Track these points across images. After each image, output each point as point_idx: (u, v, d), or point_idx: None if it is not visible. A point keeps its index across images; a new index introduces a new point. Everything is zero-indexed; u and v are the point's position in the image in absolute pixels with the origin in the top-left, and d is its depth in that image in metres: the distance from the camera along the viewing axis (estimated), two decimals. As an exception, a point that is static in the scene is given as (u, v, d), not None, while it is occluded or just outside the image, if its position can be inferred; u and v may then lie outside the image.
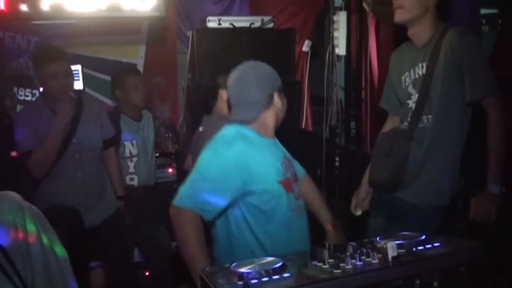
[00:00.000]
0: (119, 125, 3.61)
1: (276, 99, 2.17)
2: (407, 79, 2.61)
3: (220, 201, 2.02)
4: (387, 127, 2.79)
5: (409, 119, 2.56)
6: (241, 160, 2.03)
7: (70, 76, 3.04)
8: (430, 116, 2.50)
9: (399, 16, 2.54)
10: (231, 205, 2.06)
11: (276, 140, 2.28)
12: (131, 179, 3.70)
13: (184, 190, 2.04)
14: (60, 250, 1.66)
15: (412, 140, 2.52)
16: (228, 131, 2.16)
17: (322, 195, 2.46)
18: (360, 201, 2.85)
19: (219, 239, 2.17)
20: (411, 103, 2.58)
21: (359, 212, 2.86)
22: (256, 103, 2.14)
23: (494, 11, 3.99)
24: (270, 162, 2.12)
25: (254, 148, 2.09)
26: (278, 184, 2.09)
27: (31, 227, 1.56)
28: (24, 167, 2.95)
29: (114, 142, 3.36)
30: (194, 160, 2.58)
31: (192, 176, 2.06)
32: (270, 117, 2.19)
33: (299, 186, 2.27)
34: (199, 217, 2.00)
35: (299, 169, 2.43)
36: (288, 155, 2.32)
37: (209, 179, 2.02)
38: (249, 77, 2.16)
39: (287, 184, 2.13)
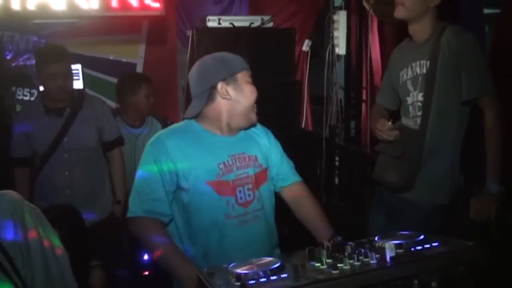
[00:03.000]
0: None
1: (221, 90, 1.99)
2: (405, 75, 2.61)
3: (159, 198, 1.96)
4: (374, 116, 2.77)
5: (414, 119, 2.55)
6: (173, 153, 1.96)
7: (70, 77, 3.03)
8: (430, 115, 2.49)
9: (399, 13, 2.54)
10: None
11: (239, 136, 2.10)
12: None
13: (131, 200, 2.01)
14: (59, 249, 1.66)
15: (424, 142, 2.51)
16: (172, 126, 2.12)
17: (320, 206, 2.21)
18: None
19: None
20: (410, 100, 2.58)
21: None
22: (197, 97, 2.05)
23: (494, 11, 3.99)
24: (203, 160, 1.98)
25: (188, 144, 2.00)
26: (205, 184, 1.96)
27: (30, 226, 1.56)
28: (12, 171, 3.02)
29: (118, 144, 3.31)
30: None
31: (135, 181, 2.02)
32: (215, 111, 2.03)
33: (258, 192, 2.06)
34: (158, 222, 1.96)
35: (284, 175, 2.22)
36: (249, 155, 2.09)
37: (143, 180, 1.99)
38: (193, 72, 2.09)
39: (220, 186, 1.97)
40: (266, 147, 2.17)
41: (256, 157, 2.10)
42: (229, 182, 2.00)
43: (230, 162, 2.02)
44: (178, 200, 2.01)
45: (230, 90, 2.01)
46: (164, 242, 1.93)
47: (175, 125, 2.15)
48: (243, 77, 2.03)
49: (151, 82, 3.65)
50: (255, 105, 2.07)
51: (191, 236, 2.01)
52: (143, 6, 3.55)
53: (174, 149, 1.97)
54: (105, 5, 3.48)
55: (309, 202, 2.22)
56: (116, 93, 3.73)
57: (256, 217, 2.04)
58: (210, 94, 2.02)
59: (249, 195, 2.03)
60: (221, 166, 2.00)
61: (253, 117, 2.09)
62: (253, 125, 2.14)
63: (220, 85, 2.00)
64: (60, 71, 2.92)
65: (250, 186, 2.04)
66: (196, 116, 2.08)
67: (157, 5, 3.51)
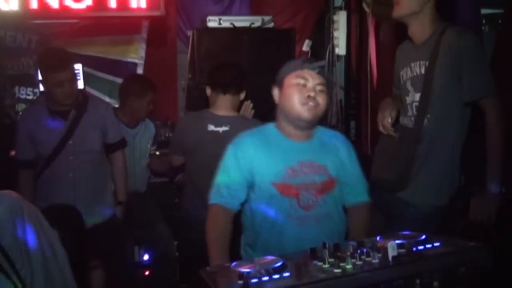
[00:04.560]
0: None
1: (274, 95, 2.17)
2: (405, 75, 2.62)
3: (236, 189, 2.12)
4: (384, 103, 2.78)
5: (412, 118, 2.55)
6: (250, 151, 2.12)
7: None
8: (429, 116, 2.50)
9: (395, 12, 2.55)
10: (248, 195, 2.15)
11: (312, 143, 2.18)
12: None
13: (212, 188, 2.18)
14: (59, 249, 1.66)
15: (417, 142, 2.52)
16: (254, 128, 2.26)
17: (365, 227, 2.26)
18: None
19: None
20: (408, 100, 2.59)
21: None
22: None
23: (494, 11, 3.99)
24: (272, 162, 2.10)
25: (264, 145, 2.14)
26: (271, 185, 2.08)
27: (30, 227, 1.56)
28: (14, 173, 3.03)
29: (121, 146, 3.32)
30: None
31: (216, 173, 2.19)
32: (278, 115, 2.18)
33: (322, 199, 2.12)
34: (225, 210, 2.12)
35: (355, 194, 2.27)
36: (319, 164, 2.15)
37: (225, 170, 2.15)
38: None
39: (285, 189, 2.07)
40: (341, 161, 2.22)
41: (325, 166, 2.16)
42: (293, 186, 2.08)
43: (298, 168, 2.10)
44: (250, 197, 2.15)
45: (278, 93, 2.16)
46: (215, 228, 2.10)
47: (257, 127, 2.28)
48: (288, 79, 2.12)
49: (155, 91, 3.68)
50: (309, 101, 2.07)
51: (255, 231, 2.15)
52: (143, 6, 3.55)
53: (251, 149, 2.13)
54: (106, 5, 3.48)
55: (360, 218, 2.28)
56: (119, 91, 3.74)
57: (317, 221, 2.11)
58: (274, 98, 2.19)
59: (312, 200, 2.10)
60: (288, 170, 2.09)
61: (302, 114, 2.08)
62: (309, 123, 2.14)
63: (275, 90, 2.18)
64: (67, 78, 2.92)
65: (314, 192, 2.11)
66: (275, 120, 2.23)
67: (157, 5, 3.51)
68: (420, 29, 2.53)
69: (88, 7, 3.42)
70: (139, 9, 3.72)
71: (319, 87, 2.10)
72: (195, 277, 2.07)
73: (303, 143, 2.16)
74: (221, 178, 2.15)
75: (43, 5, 3.37)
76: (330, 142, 2.23)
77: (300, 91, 2.07)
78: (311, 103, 2.07)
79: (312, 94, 2.07)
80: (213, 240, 2.07)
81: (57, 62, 2.92)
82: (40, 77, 3.03)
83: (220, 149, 2.78)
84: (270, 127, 2.22)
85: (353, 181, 2.26)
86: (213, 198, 2.15)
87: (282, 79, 2.14)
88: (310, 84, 2.09)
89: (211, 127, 2.99)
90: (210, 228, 2.10)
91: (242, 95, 3.09)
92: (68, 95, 2.95)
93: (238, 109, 3.18)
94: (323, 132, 2.26)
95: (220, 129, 2.95)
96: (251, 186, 2.12)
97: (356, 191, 2.28)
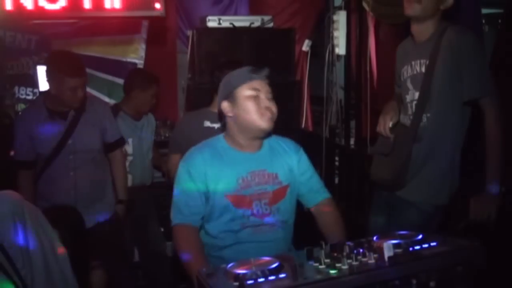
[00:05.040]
0: (117, 122, 3.60)
1: (225, 108, 2.15)
2: (405, 73, 2.62)
3: (195, 205, 2.13)
4: (387, 106, 2.76)
5: (411, 117, 2.55)
6: (201, 166, 2.13)
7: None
8: (429, 115, 2.50)
9: (413, 10, 2.49)
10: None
11: (261, 153, 2.21)
12: None
13: (172, 211, 2.17)
14: (60, 249, 1.66)
15: (415, 140, 2.52)
16: (203, 142, 2.27)
17: (340, 220, 2.29)
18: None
19: None
20: (408, 98, 2.59)
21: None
22: (220, 114, 2.24)
23: (494, 11, 3.99)
24: (224, 175, 2.12)
25: (214, 159, 2.15)
26: (224, 197, 2.11)
27: (30, 227, 1.56)
28: (14, 173, 3.03)
29: (120, 145, 3.34)
30: None
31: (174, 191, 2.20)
32: (230, 128, 2.19)
33: (275, 207, 2.17)
34: (189, 228, 2.13)
35: (313, 194, 2.31)
36: (269, 173, 2.19)
37: (181, 188, 2.16)
38: None
39: (238, 200, 2.11)
40: (292, 165, 2.25)
41: (276, 175, 2.19)
42: (246, 196, 2.12)
43: (249, 178, 2.14)
44: (206, 210, 2.16)
45: (231, 108, 2.14)
46: (187, 244, 2.09)
47: (206, 140, 2.28)
48: (240, 92, 2.12)
49: (159, 85, 3.76)
50: (266, 111, 2.11)
51: (210, 241, 2.17)
52: (143, 6, 3.54)
53: (201, 164, 2.13)
54: (106, 5, 3.47)
55: (330, 218, 2.30)
56: (124, 85, 3.80)
57: (271, 227, 2.16)
58: (221, 114, 2.20)
59: (265, 209, 2.15)
60: (240, 181, 2.13)
61: (262, 125, 2.11)
62: (267, 133, 2.17)
63: (224, 105, 2.16)
64: (81, 84, 2.96)
65: (267, 201, 2.15)
66: (224, 132, 2.25)
67: (157, 5, 3.50)
68: (425, 29, 2.52)
69: (88, 7, 3.41)
70: (139, 9, 3.71)
71: (269, 95, 2.14)
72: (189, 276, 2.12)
73: (253, 154, 2.19)
74: (179, 197, 2.16)
75: (42, 5, 3.37)
76: (279, 148, 2.27)
77: (256, 103, 2.10)
78: (269, 114, 2.11)
79: (268, 104, 2.11)
80: (190, 254, 2.05)
81: (76, 68, 2.95)
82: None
83: None
84: (219, 139, 2.24)
85: (308, 183, 2.30)
86: (175, 218, 2.15)
87: (231, 91, 2.14)
88: (263, 94, 2.12)
89: (207, 123, 3.03)
90: (182, 246, 2.09)
91: None
92: (77, 100, 2.98)
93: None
94: (271, 139, 2.28)
95: (216, 125, 2.98)
96: (207, 199, 2.14)
97: (314, 191, 2.31)
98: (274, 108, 2.13)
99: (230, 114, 2.15)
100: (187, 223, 2.12)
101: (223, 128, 2.26)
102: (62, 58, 3.03)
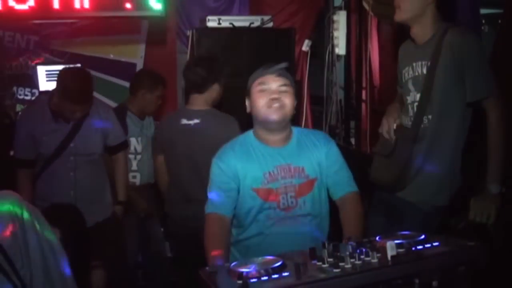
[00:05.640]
0: (125, 122, 3.62)
1: (247, 106, 2.26)
2: (406, 75, 2.62)
3: (226, 196, 2.19)
4: (391, 107, 2.77)
5: (411, 118, 2.56)
6: (232, 161, 2.21)
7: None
8: (430, 116, 2.50)
9: (397, 16, 2.56)
10: None
11: (288, 147, 2.25)
12: (134, 177, 3.70)
13: (207, 201, 2.24)
14: (59, 249, 1.66)
15: (415, 142, 2.52)
16: (235, 139, 2.35)
17: (359, 216, 2.29)
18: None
19: None
20: (410, 100, 2.59)
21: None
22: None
23: (494, 11, 4.00)
24: (252, 168, 2.20)
25: (243, 154, 2.23)
26: (251, 190, 2.18)
27: (29, 227, 1.56)
28: (14, 173, 3.03)
29: (123, 148, 3.35)
30: None
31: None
32: (254, 123, 2.27)
33: (302, 199, 2.21)
34: (219, 218, 2.18)
35: (340, 186, 2.31)
36: (295, 166, 2.23)
37: (213, 181, 2.24)
38: None
39: (264, 193, 2.18)
40: (321, 158, 2.28)
41: (303, 168, 2.24)
42: (273, 190, 2.19)
43: (276, 172, 2.20)
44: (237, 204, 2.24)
45: (249, 103, 2.25)
46: (211, 235, 2.14)
47: (236, 138, 2.36)
48: (253, 87, 2.22)
49: (165, 87, 3.78)
50: (273, 102, 2.16)
51: (238, 231, 2.27)
52: (143, 6, 3.54)
53: (232, 158, 2.22)
54: (105, 5, 3.46)
55: (350, 209, 2.29)
56: (131, 84, 3.82)
57: (297, 221, 2.21)
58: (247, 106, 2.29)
59: (291, 202, 2.21)
60: (267, 175, 2.19)
61: (270, 116, 2.17)
62: (278, 123, 2.20)
63: (246, 103, 2.27)
64: (82, 109, 2.99)
65: (293, 194, 2.21)
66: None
67: (157, 5, 3.49)
68: (422, 30, 2.53)
69: (88, 7, 3.41)
70: (139, 9, 3.71)
71: (282, 88, 2.19)
72: (187, 271, 2.12)
73: (279, 148, 2.25)
74: (211, 188, 2.24)
75: (42, 5, 3.36)
76: (308, 142, 2.30)
77: (263, 96, 2.18)
78: (275, 105, 2.15)
79: (275, 96, 2.16)
80: (210, 246, 2.11)
81: (82, 97, 2.95)
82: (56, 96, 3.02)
83: (192, 140, 2.94)
84: (249, 135, 2.30)
85: (336, 175, 2.31)
86: (207, 208, 2.22)
87: (248, 89, 2.25)
88: (273, 86, 2.18)
89: (184, 121, 3.07)
90: (207, 237, 2.15)
91: (215, 88, 3.13)
92: (74, 119, 3.01)
93: (219, 102, 3.24)
94: (301, 133, 2.34)
95: (192, 122, 3.05)
96: (237, 192, 2.21)
97: (341, 183, 2.32)
98: (286, 100, 2.18)
99: (248, 111, 2.26)
100: (217, 212, 2.19)
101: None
102: (72, 81, 2.95)
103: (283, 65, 2.23)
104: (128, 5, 3.42)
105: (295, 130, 2.33)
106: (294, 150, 2.26)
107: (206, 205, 2.23)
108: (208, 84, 3.09)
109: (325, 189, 2.30)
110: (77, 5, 3.39)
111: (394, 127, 2.63)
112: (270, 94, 2.17)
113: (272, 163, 2.21)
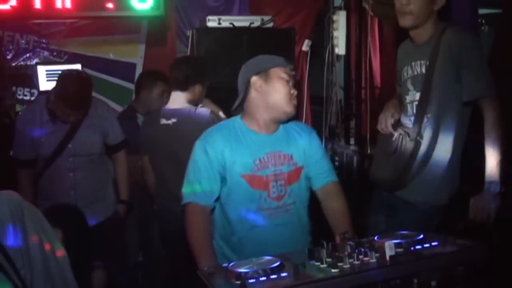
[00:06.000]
0: (136, 122, 3.63)
1: (255, 83, 2.18)
2: (405, 74, 2.62)
3: (209, 185, 2.14)
4: (388, 104, 2.77)
5: (411, 118, 2.56)
6: (219, 146, 2.15)
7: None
8: (429, 115, 2.50)
9: (407, 21, 2.51)
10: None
11: (277, 134, 2.24)
12: None
13: (183, 189, 2.19)
14: (59, 249, 1.66)
15: (416, 141, 2.52)
16: (219, 123, 2.32)
17: (345, 206, 2.33)
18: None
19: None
20: (408, 99, 2.59)
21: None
22: (239, 94, 2.26)
23: (494, 11, 4.00)
24: (240, 155, 2.15)
25: (232, 139, 2.18)
26: (240, 177, 2.13)
27: (30, 227, 1.56)
28: (14, 173, 3.03)
29: (123, 147, 3.34)
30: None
31: (186, 171, 2.21)
32: (252, 105, 2.21)
33: (290, 188, 2.20)
34: (201, 208, 2.14)
35: (321, 175, 2.31)
36: (285, 154, 2.22)
37: (196, 167, 2.17)
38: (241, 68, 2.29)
39: (254, 181, 2.13)
40: (305, 146, 2.28)
41: (291, 156, 2.23)
42: (263, 177, 2.15)
43: (266, 159, 2.17)
44: (221, 192, 2.19)
45: (262, 83, 2.17)
46: (195, 229, 2.11)
47: (222, 122, 2.35)
48: (275, 72, 2.18)
49: (167, 80, 3.67)
50: (293, 98, 2.19)
51: (227, 224, 2.19)
52: (142, 6, 3.53)
53: (220, 142, 2.16)
54: (87, 5, 3.45)
55: (335, 202, 2.31)
56: (134, 86, 3.87)
57: (287, 210, 2.19)
58: (247, 88, 2.20)
59: (281, 190, 2.18)
60: (257, 162, 2.15)
61: (288, 109, 2.19)
62: (289, 117, 2.23)
63: (254, 79, 2.18)
64: (78, 115, 2.99)
65: (282, 182, 2.18)
66: (241, 113, 2.27)
67: (109, 5, 3.45)
68: (423, 31, 2.52)
69: (88, 7, 3.41)
70: (138, 9, 3.70)
71: (294, 79, 2.24)
72: (179, 267, 2.08)
73: (270, 135, 2.23)
74: (192, 175, 2.17)
75: (42, 5, 3.36)
76: (293, 130, 2.30)
77: (288, 88, 2.18)
78: (295, 101, 2.20)
79: (295, 93, 2.20)
80: (196, 242, 2.09)
81: (79, 103, 2.95)
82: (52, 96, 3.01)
83: (173, 139, 2.97)
84: (237, 120, 2.26)
85: (318, 164, 2.31)
86: (188, 197, 2.16)
87: (267, 69, 2.19)
88: (292, 83, 2.21)
89: (163, 121, 3.09)
90: (190, 230, 2.12)
91: (197, 88, 3.14)
92: (69, 121, 3.00)
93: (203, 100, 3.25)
94: (286, 123, 2.31)
95: (170, 122, 3.07)
96: (223, 179, 2.16)
97: (320, 173, 2.31)
98: (296, 100, 2.22)
99: (259, 90, 2.17)
100: (198, 202, 2.14)
101: (240, 109, 2.27)
102: (73, 85, 2.93)
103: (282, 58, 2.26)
104: (109, 5, 3.39)
105: None
106: (283, 138, 2.25)
107: (184, 191, 2.17)
108: (190, 83, 3.10)
109: (307, 178, 2.29)
110: (58, 5, 3.37)
111: (392, 122, 2.63)
112: (291, 88, 2.18)
113: (262, 150, 2.18)
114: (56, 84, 2.98)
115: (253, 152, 2.16)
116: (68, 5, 3.39)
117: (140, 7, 3.46)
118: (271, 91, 2.16)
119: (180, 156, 2.97)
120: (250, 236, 2.15)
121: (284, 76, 2.18)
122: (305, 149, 2.28)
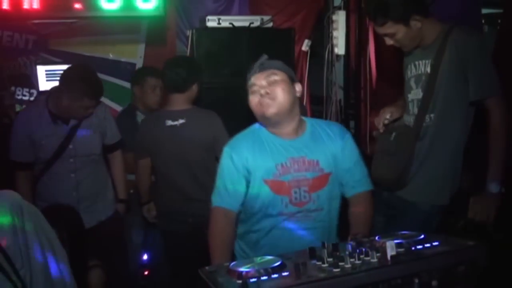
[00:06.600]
0: (135, 121, 3.64)
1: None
2: (409, 73, 2.62)
3: (234, 189, 2.16)
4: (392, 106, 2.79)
5: (413, 117, 2.55)
6: (244, 152, 2.16)
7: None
8: (432, 115, 2.50)
9: (396, 44, 2.56)
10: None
11: (302, 139, 2.19)
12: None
13: (213, 191, 2.23)
14: (58, 249, 1.66)
15: (417, 140, 2.52)
16: (244, 130, 2.29)
17: (368, 217, 2.27)
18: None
19: None
20: (411, 97, 2.59)
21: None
22: None
23: (494, 11, 4.00)
24: (263, 160, 2.14)
25: (256, 145, 2.17)
26: (262, 182, 2.12)
27: (29, 227, 1.56)
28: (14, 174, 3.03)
29: (120, 146, 3.36)
30: None
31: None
32: None
33: (315, 194, 2.15)
34: (226, 212, 2.17)
35: (354, 183, 2.25)
36: (309, 159, 2.16)
37: (222, 172, 2.20)
38: None
39: (276, 185, 2.12)
40: (336, 151, 2.21)
41: (317, 161, 2.17)
42: (285, 183, 2.12)
43: (288, 164, 2.13)
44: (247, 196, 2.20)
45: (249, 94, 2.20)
46: (217, 233, 2.16)
47: (248, 128, 2.30)
48: (251, 82, 2.18)
49: (157, 75, 3.66)
50: (263, 104, 2.12)
51: (247, 226, 2.23)
52: (142, 6, 3.53)
53: (244, 149, 2.18)
54: (55, 6, 3.43)
55: (360, 208, 2.27)
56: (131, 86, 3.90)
57: (308, 216, 2.15)
58: None
59: (304, 197, 2.13)
60: (279, 167, 2.13)
61: (262, 116, 2.16)
62: (274, 118, 2.15)
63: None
64: (95, 104, 3.01)
65: (306, 188, 2.13)
66: None
67: (77, 5, 3.43)
68: (424, 38, 2.52)
69: (87, 7, 3.40)
70: (138, 9, 3.70)
71: (271, 78, 2.13)
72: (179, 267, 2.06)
73: (293, 140, 2.18)
74: (219, 181, 2.21)
75: (41, 5, 3.35)
76: (323, 133, 2.23)
77: (255, 97, 2.15)
78: (266, 100, 2.11)
79: (262, 91, 2.12)
80: (215, 245, 2.13)
81: (98, 90, 2.98)
82: (59, 83, 3.01)
83: (180, 140, 2.99)
84: (260, 127, 2.24)
85: (350, 172, 2.24)
86: (214, 201, 2.20)
87: (249, 80, 2.21)
88: (259, 83, 2.13)
89: (169, 122, 3.10)
90: (212, 232, 2.17)
91: (195, 88, 3.16)
92: (85, 115, 3.02)
93: (197, 100, 3.28)
94: (316, 124, 2.26)
95: (178, 123, 3.08)
96: (248, 183, 2.16)
97: (354, 180, 2.26)
98: (277, 89, 2.11)
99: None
100: (224, 206, 2.17)
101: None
102: (85, 76, 2.96)
103: (263, 58, 2.20)
104: (77, 6, 3.38)
105: (308, 121, 2.27)
106: (308, 142, 2.19)
107: (212, 195, 2.21)
108: (188, 84, 3.12)
109: (338, 184, 2.23)
110: (26, 5, 3.35)
111: (388, 117, 2.63)
112: (259, 91, 2.13)
113: (285, 155, 2.15)
114: (65, 83, 2.95)
115: (275, 157, 2.14)
116: (36, 5, 3.35)
117: (144, 7, 3.46)
118: (250, 103, 2.19)
119: (187, 157, 3.04)
120: (267, 239, 2.17)
121: (253, 87, 2.15)
122: (336, 155, 2.20)
